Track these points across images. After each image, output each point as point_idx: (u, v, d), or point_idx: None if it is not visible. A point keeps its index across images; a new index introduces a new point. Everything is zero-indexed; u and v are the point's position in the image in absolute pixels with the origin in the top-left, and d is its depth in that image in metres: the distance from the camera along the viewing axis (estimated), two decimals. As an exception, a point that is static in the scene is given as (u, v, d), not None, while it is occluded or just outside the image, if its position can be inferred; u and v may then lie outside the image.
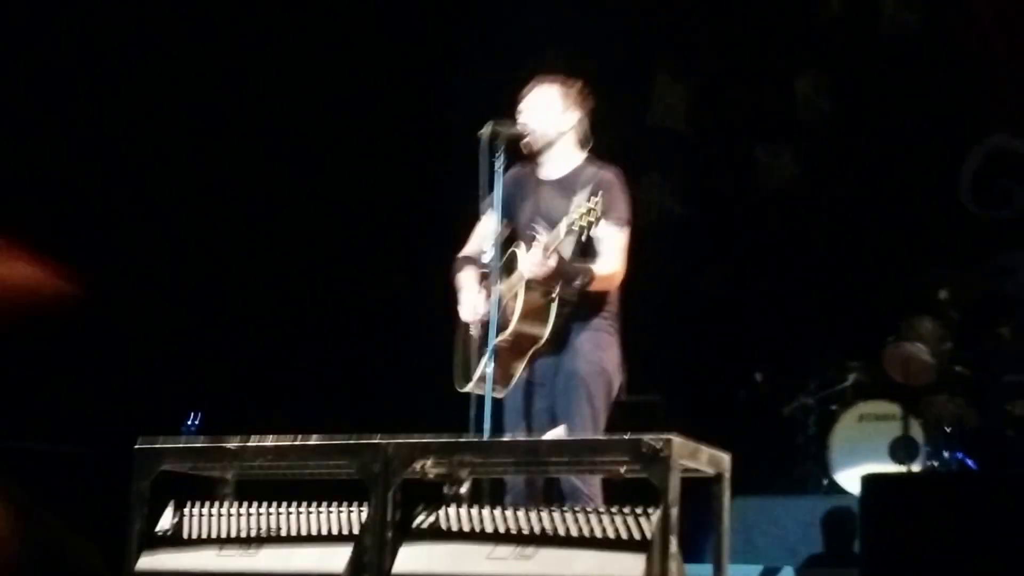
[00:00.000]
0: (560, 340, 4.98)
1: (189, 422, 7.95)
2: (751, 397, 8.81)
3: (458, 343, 5.31)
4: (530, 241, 5.03)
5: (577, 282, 4.94)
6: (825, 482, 8.06)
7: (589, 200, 4.68)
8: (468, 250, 5.35)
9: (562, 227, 4.77)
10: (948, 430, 7.80)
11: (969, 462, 7.77)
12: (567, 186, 5.12)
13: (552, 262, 4.82)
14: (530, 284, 4.89)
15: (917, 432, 7.83)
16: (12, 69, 7.83)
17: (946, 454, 7.73)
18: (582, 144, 5.27)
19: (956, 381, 7.95)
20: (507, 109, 5.27)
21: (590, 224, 4.66)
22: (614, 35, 9.73)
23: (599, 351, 5.06)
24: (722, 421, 8.58)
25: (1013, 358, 8.02)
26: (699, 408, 8.75)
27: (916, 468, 7.74)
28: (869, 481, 6.17)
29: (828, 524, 7.38)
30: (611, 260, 5.01)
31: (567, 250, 4.94)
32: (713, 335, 9.26)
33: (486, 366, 4.81)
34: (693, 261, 9.43)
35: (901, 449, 7.79)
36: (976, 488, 6.11)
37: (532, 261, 4.81)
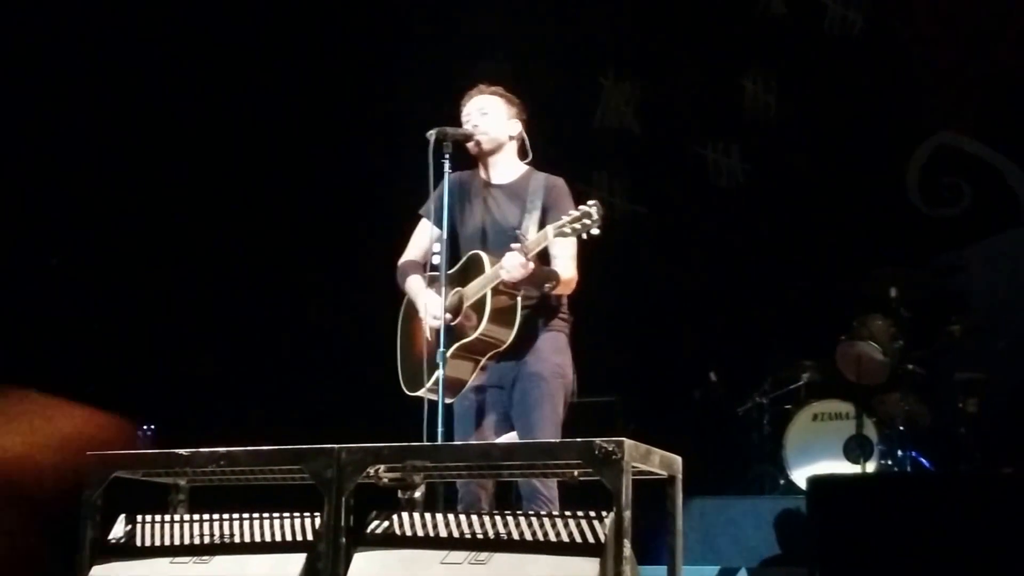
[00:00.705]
0: (520, 343, 4.99)
1: (144, 429, 7.96)
2: (706, 397, 8.87)
3: (404, 347, 5.31)
4: (480, 246, 5.06)
5: (546, 286, 4.99)
6: (781, 482, 8.12)
7: (586, 205, 4.72)
8: (410, 255, 5.34)
9: (549, 230, 4.80)
10: (901, 428, 7.87)
11: (922, 460, 7.85)
12: (517, 192, 5.17)
13: (532, 265, 4.85)
14: (497, 287, 4.90)
15: (871, 431, 7.89)
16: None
17: (900, 452, 7.80)
18: (523, 154, 5.30)
19: (908, 379, 8.02)
20: (451, 114, 5.29)
21: (586, 228, 4.70)
22: (561, 35, 9.79)
23: (559, 354, 5.11)
24: (677, 421, 8.66)
25: (964, 355, 8.12)
26: (654, 408, 8.79)
27: (871, 466, 7.81)
28: (815, 483, 6.23)
29: (784, 524, 7.41)
30: (568, 265, 5.06)
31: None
32: (667, 335, 9.32)
33: (439, 371, 4.80)
34: (646, 260, 9.47)
35: (855, 448, 7.86)
36: (921, 489, 6.20)
37: (514, 260, 4.82)
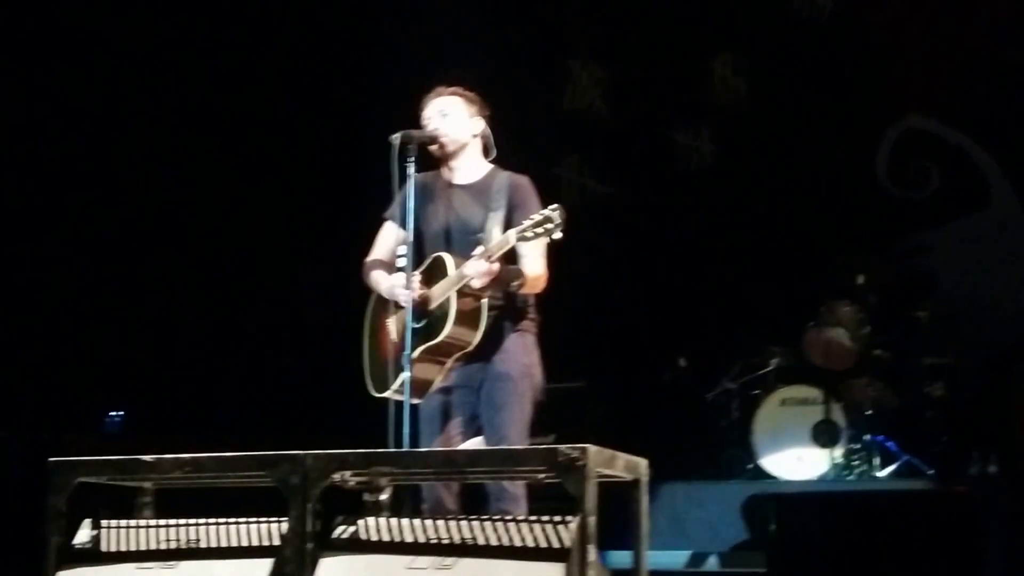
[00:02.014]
0: (487, 344, 5.01)
1: (111, 415, 7.99)
2: (675, 382, 8.88)
3: (371, 348, 5.31)
4: (444, 247, 5.08)
5: (513, 285, 5.00)
6: (750, 466, 8.15)
7: (548, 209, 4.74)
8: (375, 255, 5.34)
9: (511, 234, 4.80)
10: (869, 413, 7.94)
11: (889, 444, 7.91)
12: (480, 191, 5.17)
13: (496, 267, 4.86)
14: (463, 289, 4.91)
15: (838, 415, 7.94)
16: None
17: (867, 437, 7.87)
18: (486, 152, 5.30)
19: (876, 364, 8.10)
20: (413, 112, 5.30)
21: (548, 232, 4.71)
22: (529, 18, 9.77)
23: (527, 354, 5.12)
24: (646, 406, 8.72)
25: (931, 340, 8.19)
26: (623, 393, 8.85)
27: (838, 451, 7.87)
28: (781, 501, 6.29)
29: (753, 508, 7.46)
30: (536, 264, 5.06)
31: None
32: (636, 319, 9.34)
33: (405, 372, 4.81)
34: (615, 243, 9.48)
35: (823, 433, 7.91)
36: (879, 505, 6.29)
37: (478, 267, 4.83)
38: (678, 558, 7.20)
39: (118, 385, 8.40)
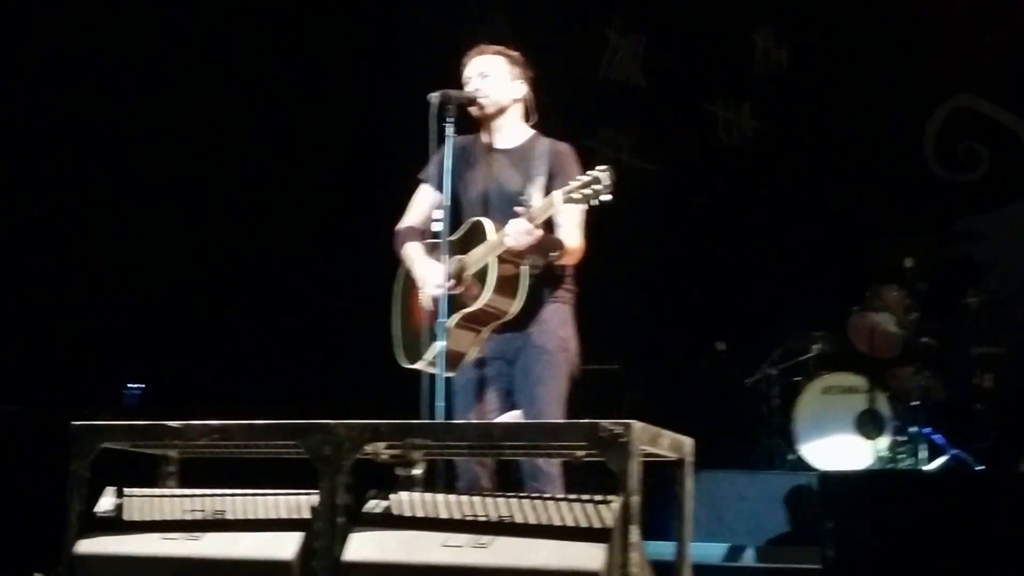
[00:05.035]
0: (524, 314, 5.00)
1: (131, 386, 8.03)
2: (713, 367, 8.87)
3: (400, 317, 5.31)
4: (482, 212, 5.06)
5: (551, 255, 4.98)
6: (790, 456, 8.13)
7: (596, 170, 4.70)
8: (409, 220, 5.33)
9: (557, 195, 4.77)
10: (915, 403, 7.89)
11: (936, 436, 7.87)
12: (521, 157, 5.16)
13: (539, 231, 4.85)
14: (502, 255, 4.90)
15: (883, 405, 7.91)
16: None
17: (913, 428, 7.83)
18: (528, 117, 5.29)
19: (923, 353, 8.04)
20: (457, 73, 5.28)
21: (597, 194, 4.67)
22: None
23: (564, 326, 5.12)
24: (683, 392, 8.70)
25: (981, 329, 8.13)
26: (659, 378, 8.84)
27: (883, 442, 7.84)
28: (826, 479, 6.26)
29: (794, 500, 7.44)
30: (574, 234, 5.04)
31: None
32: (673, 301, 9.32)
33: (440, 342, 4.81)
34: (652, 220, 9.45)
35: (867, 423, 7.87)
36: (936, 487, 6.25)
37: (519, 231, 4.82)
38: (714, 551, 7.17)
39: (137, 357, 8.44)
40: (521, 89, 5.25)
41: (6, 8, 8.27)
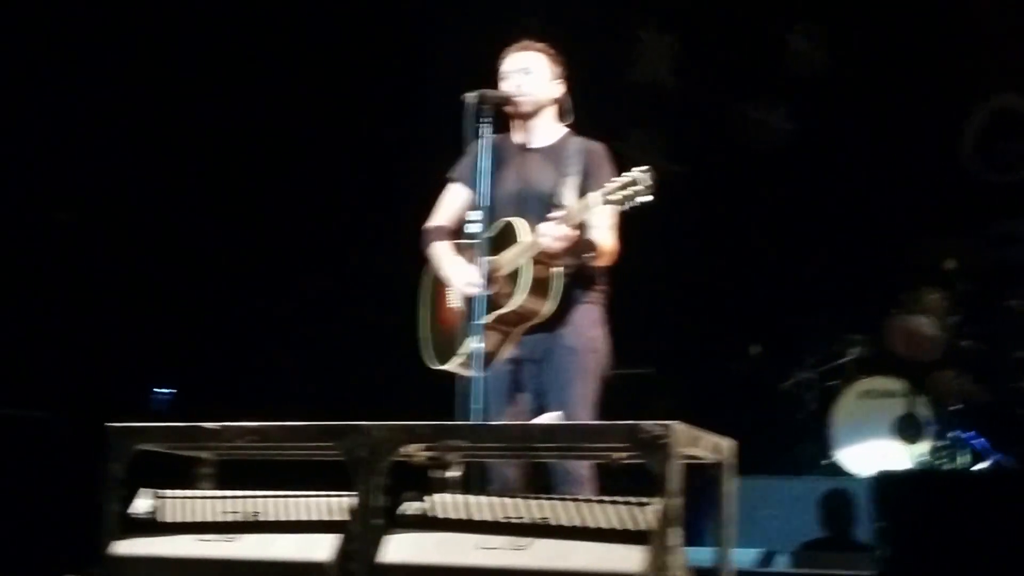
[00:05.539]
0: (556, 314, 4.99)
1: (160, 392, 8.06)
2: (747, 371, 8.85)
3: (429, 317, 5.30)
4: (514, 212, 5.05)
5: (586, 255, 4.97)
6: (826, 462, 8.10)
7: (636, 170, 4.68)
8: (438, 220, 5.33)
9: (596, 196, 4.75)
10: (956, 408, 7.86)
11: (977, 442, 7.83)
12: (554, 156, 5.14)
13: (575, 232, 4.84)
14: (536, 256, 4.89)
15: (923, 410, 7.86)
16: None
17: (954, 433, 7.80)
18: (562, 117, 5.28)
19: (963, 356, 8.01)
20: (485, 73, 5.27)
21: (637, 194, 4.65)
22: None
23: (594, 327, 5.10)
24: (716, 396, 8.67)
25: (1022, 332, 8.09)
26: (692, 382, 8.81)
27: (923, 447, 7.80)
28: (882, 479, 6.21)
29: (828, 507, 7.43)
30: (607, 235, 5.03)
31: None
32: (707, 304, 9.29)
33: (473, 343, 4.80)
34: (684, 224, 9.42)
35: (906, 427, 7.83)
36: (994, 486, 6.20)
37: (554, 232, 4.82)
38: (747, 556, 7.15)
39: (167, 361, 8.47)
40: (559, 88, 5.24)
41: (36, 14, 8.33)
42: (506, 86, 5.17)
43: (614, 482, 4.47)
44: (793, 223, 9.23)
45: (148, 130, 8.87)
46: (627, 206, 4.70)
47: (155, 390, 8.22)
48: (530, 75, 5.17)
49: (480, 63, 5.37)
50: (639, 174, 4.66)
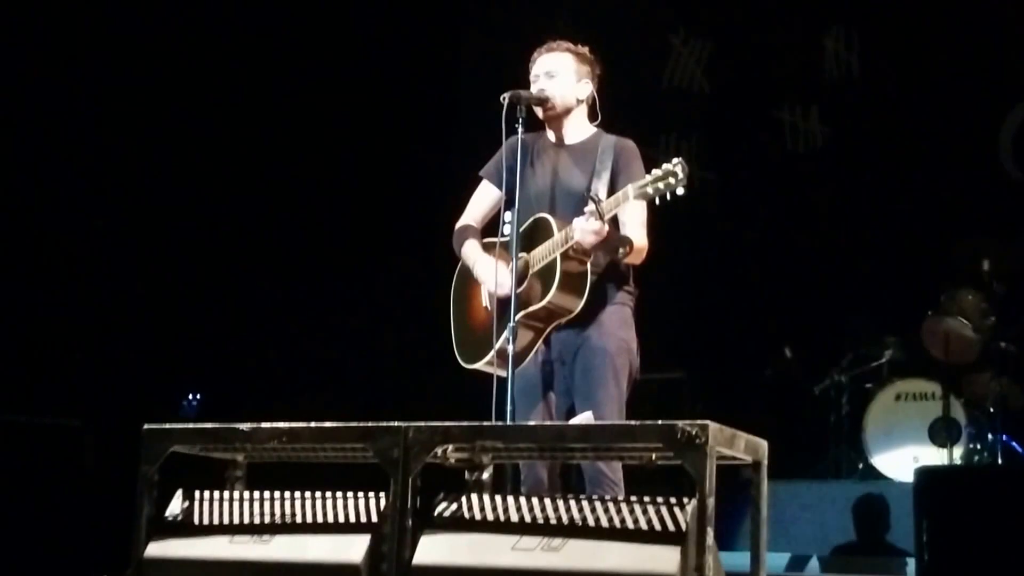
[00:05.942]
0: (584, 313, 4.98)
1: (189, 399, 8.09)
2: (780, 374, 8.82)
3: (460, 316, 5.31)
4: (546, 209, 5.05)
5: (619, 252, 4.95)
6: (860, 465, 8.08)
7: (670, 163, 4.66)
8: (468, 218, 5.34)
9: (630, 189, 4.74)
10: (992, 411, 7.82)
11: (1015, 445, 7.80)
12: (585, 153, 5.15)
13: (606, 228, 4.85)
14: (568, 253, 4.90)
15: (959, 413, 7.83)
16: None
17: (990, 436, 7.77)
18: (591, 117, 5.29)
19: (1000, 358, 7.96)
20: (516, 75, 5.29)
21: (670, 188, 4.64)
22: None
23: (624, 328, 5.07)
24: (749, 399, 8.65)
25: (1060, 334, 8.06)
26: (724, 386, 8.80)
27: (958, 451, 7.76)
28: (923, 474, 6.19)
29: (863, 511, 7.41)
30: (639, 232, 5.03)
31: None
32: (738, 307, 9.29)
33: (506, 342, 4.77)
34: (716, 229, 9.44)
35: (942, 431, 7.79)
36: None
37: (588, 227, 4.81)
38: (778, 560, 7.14)
39: (195, 368, 8.50)
40: (587, 89, 5.24)
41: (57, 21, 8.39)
42: (535, 87, 5.19)
43: (640, 487, 4.46)
44: (828, 226, 9.22)
45: (184, 140, 8.91)
46: (663, 198, 4.68)
47: (186, 397, 8.24)
48: (554, 78, 5.18)
49: (516, 63, 5.38)
50: (674, 167, 4.64)
